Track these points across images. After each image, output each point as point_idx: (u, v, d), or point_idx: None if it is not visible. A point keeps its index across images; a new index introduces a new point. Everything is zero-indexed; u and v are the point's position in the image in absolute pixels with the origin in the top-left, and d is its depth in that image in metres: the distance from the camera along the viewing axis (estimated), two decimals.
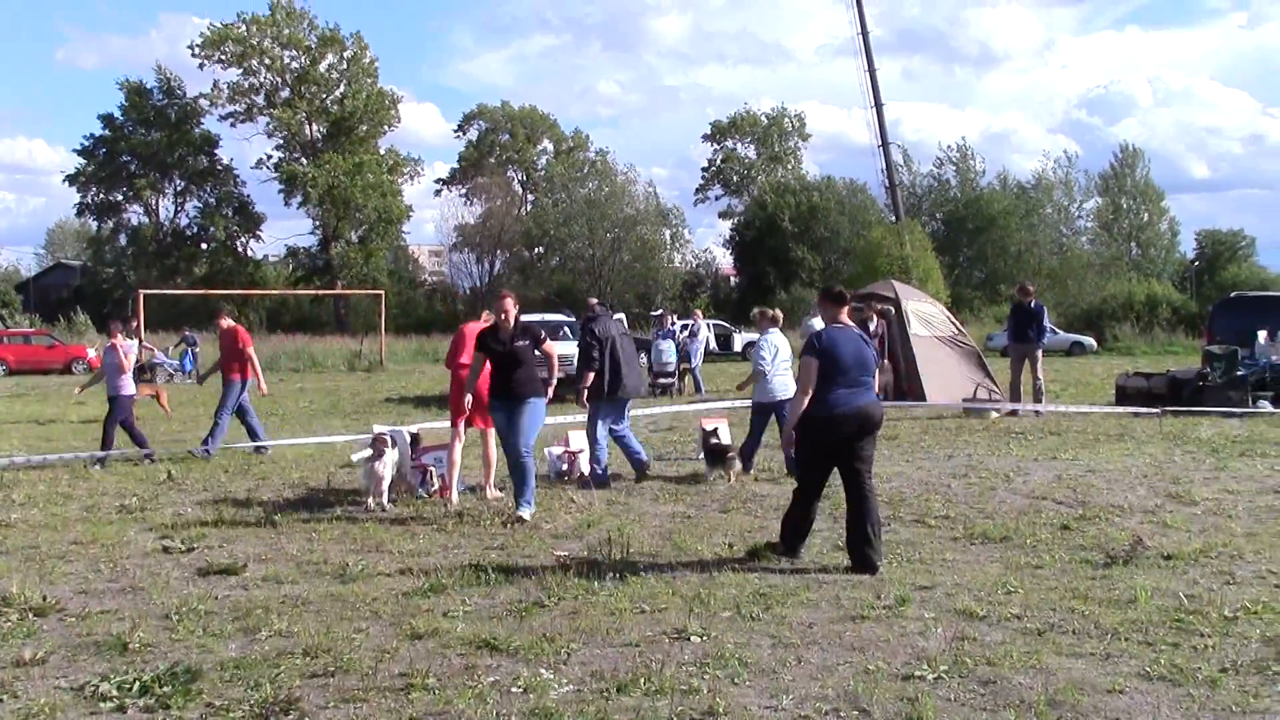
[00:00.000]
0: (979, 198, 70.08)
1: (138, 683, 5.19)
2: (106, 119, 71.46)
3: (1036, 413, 17.03)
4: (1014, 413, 17.15)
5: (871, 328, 19.05)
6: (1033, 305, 17.95)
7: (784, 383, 11.63)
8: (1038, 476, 11.19)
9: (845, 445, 7.49)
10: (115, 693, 5.11)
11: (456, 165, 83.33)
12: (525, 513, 9.25)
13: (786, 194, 71.84)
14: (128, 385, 13.88)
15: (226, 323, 14.48)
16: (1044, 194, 72.23)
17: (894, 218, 58.69)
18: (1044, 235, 70.35)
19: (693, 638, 5.84)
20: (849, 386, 7.46)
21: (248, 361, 13.92)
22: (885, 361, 19.11)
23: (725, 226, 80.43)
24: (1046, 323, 18.32)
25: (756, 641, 5.78)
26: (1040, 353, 17.99)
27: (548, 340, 9.68)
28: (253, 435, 14.10)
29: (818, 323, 20.05)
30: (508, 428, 9.40)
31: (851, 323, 7.84)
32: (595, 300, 14.45)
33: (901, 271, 44.82)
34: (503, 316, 9.41)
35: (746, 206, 77.71)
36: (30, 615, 6.46)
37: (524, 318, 10.72)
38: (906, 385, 19.34)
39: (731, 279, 77.30)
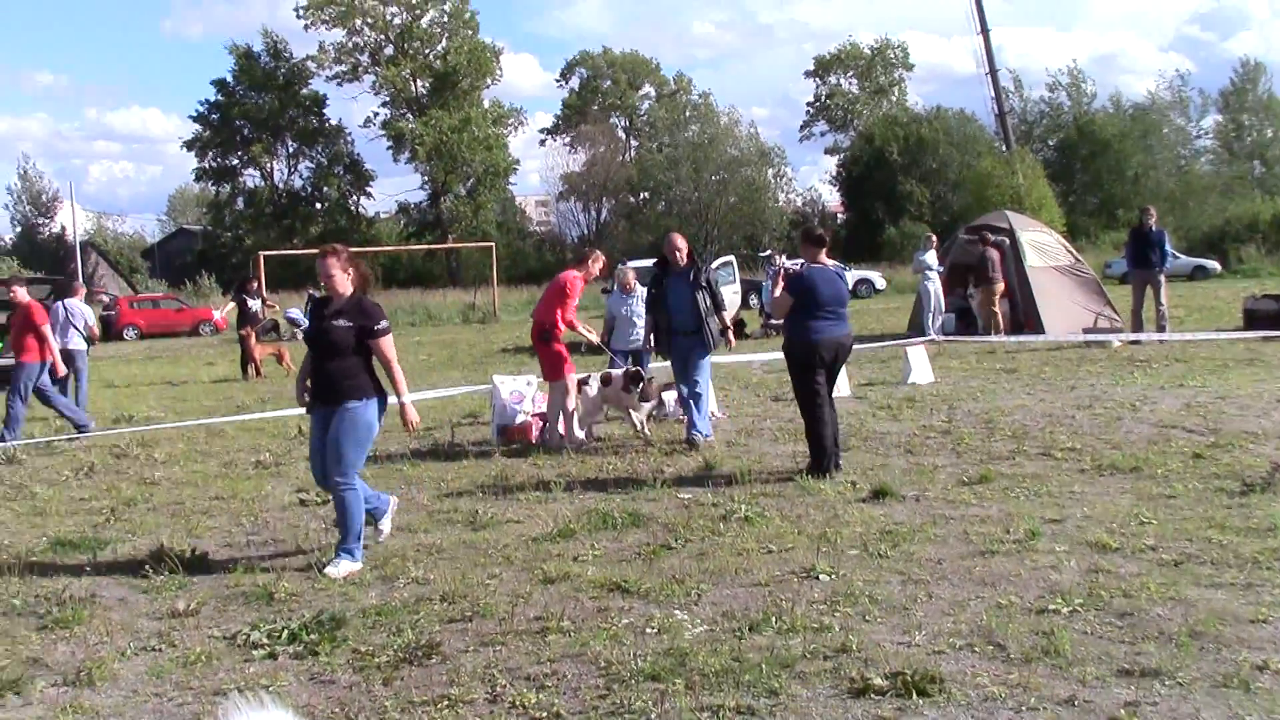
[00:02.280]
0: (1092, 121, 67.85)
1: (286, 630, 5.41)
2: (219, 84, 72.94)
3: (1160, 340, 16.59)
4: (1137, 341, 16.73)
5: (993, 257, 18.75)
6: (1153, 229, 17.42)
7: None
8: (1165, 405, 10.94)
9: (825, 366, 8.66)
10: (266, 641, 5.33)
11: (559, 114, 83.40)
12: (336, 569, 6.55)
13: (894, 127, 70.40)
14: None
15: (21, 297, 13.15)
16: (1159, 114, 69.69)
17: (1004, 147, 57.27)
18: (1162, 157, 67.86)
19: (821, 576, 5.87)
20: (826, 319, 8.58)
21: (44, 340, 12.80)
22: (999, 288, 18.80)
23: (831, 163, 79.30)
24: (1169, 247, 17.78)
25: (885, 579, 5.79)
26: (1163, 278, 17.49)
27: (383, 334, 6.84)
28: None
29: (930, 257, 19.89)
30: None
31: (829, 262, 8.94)
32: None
33: (1014, 201, 43.74)
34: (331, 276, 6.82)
35: (852, 141, 76.45)
36: (181, 568, 6.75)
37: (633, 263, 10.82)
38: (1024, 317, 19.00)
39: (838, 216, 76.25)
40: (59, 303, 16.98)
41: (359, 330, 6.67)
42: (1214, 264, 44.66)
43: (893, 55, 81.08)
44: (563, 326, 10.64)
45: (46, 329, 12.83)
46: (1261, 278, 39.01)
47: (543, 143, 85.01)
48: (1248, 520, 6.49)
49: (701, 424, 10.27)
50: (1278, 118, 72.42)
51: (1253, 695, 4.11)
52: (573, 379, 10.65)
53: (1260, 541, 6.03)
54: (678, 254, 10.34)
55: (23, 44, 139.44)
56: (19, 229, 79.70)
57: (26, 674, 5.03)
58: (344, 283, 6.77)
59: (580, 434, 10.73)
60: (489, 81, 75.34)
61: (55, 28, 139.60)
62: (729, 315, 25.14)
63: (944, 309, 20.26)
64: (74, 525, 8.22)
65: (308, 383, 6.92)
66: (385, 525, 7.21)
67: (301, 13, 70.57)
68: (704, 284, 10.21)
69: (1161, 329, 17.19)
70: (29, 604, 6.12)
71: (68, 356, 16.55)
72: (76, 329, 16.21)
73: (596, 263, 11.31)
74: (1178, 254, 40.41)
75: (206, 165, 74.26)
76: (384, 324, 6.79)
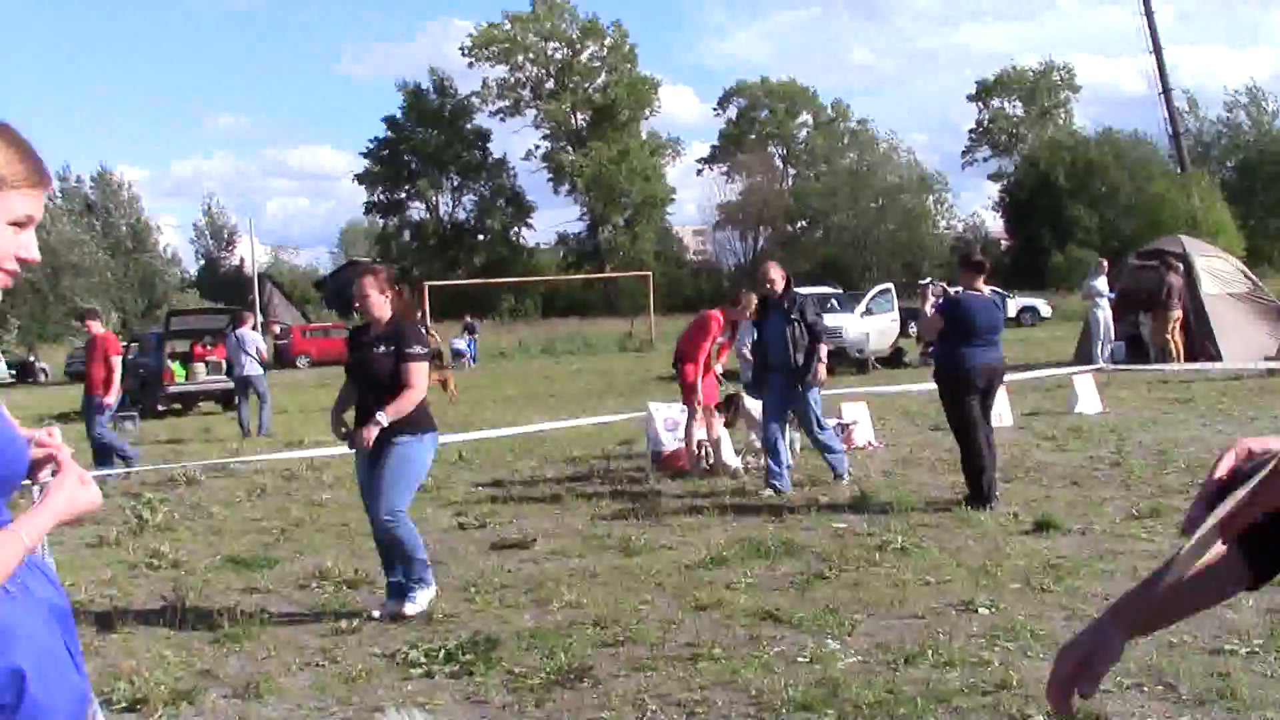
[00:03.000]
0: (1274, 141, 64.98)
1: (443, 650, 5.51)
2: (390, 121, 75.57)
3: None
4: None
5: (1174, 283, 18.08)
6: None
7: None
8: None
9: (979, 392, 8.48)
10: (423, 660, 5.43)
11: (716, 143, 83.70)
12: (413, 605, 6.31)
13: (1060, 150, 68.61)
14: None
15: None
16: None
17: (1179, 169, 55.24)
18: None
19: (980, 609, 5.70)
20: (980, 345, 8.42)
21: (112, 372, 12.43)
22: (1177, 315, 18.09)
23: (994, 189, 77.64)
24: None
25: (1049, 614, 5.59)
26: None
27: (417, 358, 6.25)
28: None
29: (1101, 283, 19.26)
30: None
31: (986, 289, 8.81)
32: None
33: (1190, 225, 42.14)
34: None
35: (1017, 166, 74.75)
36: (344, 587, 6.94)
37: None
38: (1200, 346, 18.22)
39: (1002, 242, 74.52)
40: (233, 332, 17.79)
41: (400, 355, 6.16)
42: None
43: (1058, 77, 79.12)
44: (697, 362, 10.55)
45: (117, 360, 12.59)
46: None
47: (699, 172, 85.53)
48: None
49: (779, 477, 9.48)
50: None
51: None
52: (700, 407, 10.58)
53: None
54: (770, 285, 9.80)
55: (206, 88, 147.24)
56: (202, 262, 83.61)
57: (200, 685, 5.23)
58: (382, 306, 6.30)
59: (734, 462, 10.66)
60: (647, 113, 76.30)
61: (235, 72, 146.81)
62: (883, 342, 24.96)
63: (1114, 337, 19.59)
64: (246, 544, 8.55)
65: (345, 414, 6.51)
66: (412, 604, 6.28)
67: (466, 51, 72.75)
68: (796, 316, 9.54)
69: None
70: (204, 618, 6.37)
71: (245, 382, 17.32)
72: (249, 355, 16.96)
73: (748, 307, 10.81)
74: None
75: (376, 199, 76.97)
76: (419, 348, 6.24)
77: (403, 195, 77.07)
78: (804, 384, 9.50)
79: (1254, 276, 20.49)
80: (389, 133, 75.86)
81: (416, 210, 77.99)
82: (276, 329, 44.17)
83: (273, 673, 5.36)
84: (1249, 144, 67.01)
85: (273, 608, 6.62)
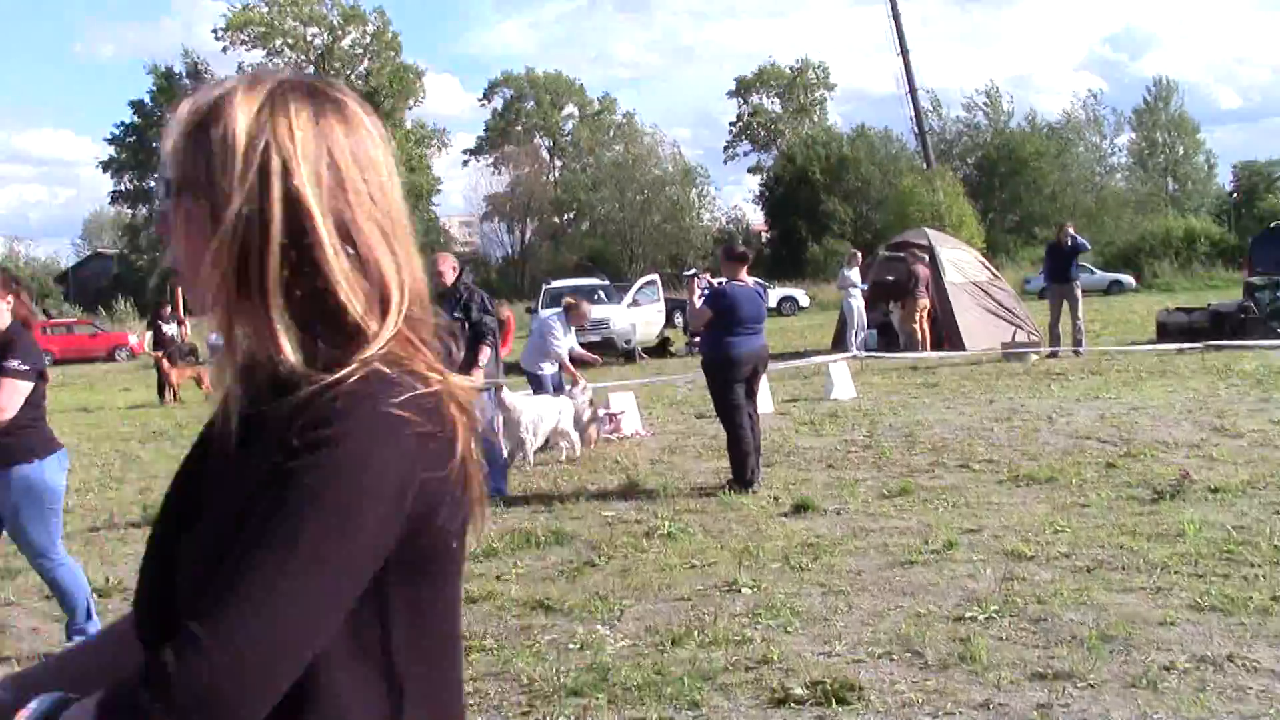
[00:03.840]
0: (1009, 140, 69.25)
1: None
2: (137, 105, 71.88)
3: (1077, 353, 16.94)
4: (1054, 355, 17.07)
5: (921, 273, 19.01)
6: (1070, 243, 17.80)
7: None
8: (1081, 416, 11.17)
9: (744, 380, 8.74)
10: None
11: (483, 134, 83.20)
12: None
13: (816, 146, 71.26)
14: None
15: None
16: (1074, 132, 71.33)
17: (925, 165, 58.17)
18: (1077, 175, 69.46)
19: (743, 590, 5.91)
20: (744, 334, 8.67)
21: None
22: (924, 304, 19.06)
23: (754, 182, 79.97)
24: (1085, 245, 18.34)
25: (807, 591, 5.84)
26: (1079, 293, 17.87)
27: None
28: None
29: (854, 274, 20.11)
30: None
31: (749, 280, 9.09)
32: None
33: (935, 219, 44.43)
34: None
35: (775, 161, 77.23)
36: (95, 595, 6.60)
37: (557, 283, 10.59)
38: (944, 333, 19.29)
39: (763, 234, 76.87)
40: None
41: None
42: (1129, 279, 45.74)
43: (813, 75, 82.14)
44: None
45: None
46: (1175, 291, 40.04)
47: (466, 163, 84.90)
48: (1157, 527, 6.65)
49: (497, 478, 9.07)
50: (1188, 136, 74.46)
51: (1160, 694, 4.21)
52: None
53: (1169, 547, 6.17)
54: (439, 276, 8.91)
55: None
56: None
57: None
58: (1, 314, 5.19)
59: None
60: (412, 103, 75.15)
61: None
62: (649, 333, 25.38)
63: (866, 325, 20.53)
64: None
65: None
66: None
67: (220, 34, 69.93)
68: (460, 314, 8.70)
69: (1078, 343, 17.55)
70: None
71: None
72: None
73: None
74: (1092, 268, 41.44)
75: (123, 188, 73.07)
76: (16, 363, 5.06)
77: (152, 184, 73.42)
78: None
79: (992, 268, 21.82)
80: (136, 118, 72.13)
81: None
82: None
83: None
84: (987, 143, 71.14)
85: (17, 622, 6.28)
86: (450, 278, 8.94)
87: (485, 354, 8.74)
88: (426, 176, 73.78)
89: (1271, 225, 26.97)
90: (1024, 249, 55.93)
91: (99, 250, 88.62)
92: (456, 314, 8.63)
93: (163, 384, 20.45)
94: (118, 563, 7.53)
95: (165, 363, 20.62)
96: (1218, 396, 11.90)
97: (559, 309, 12.08)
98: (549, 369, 11.61)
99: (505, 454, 10.49)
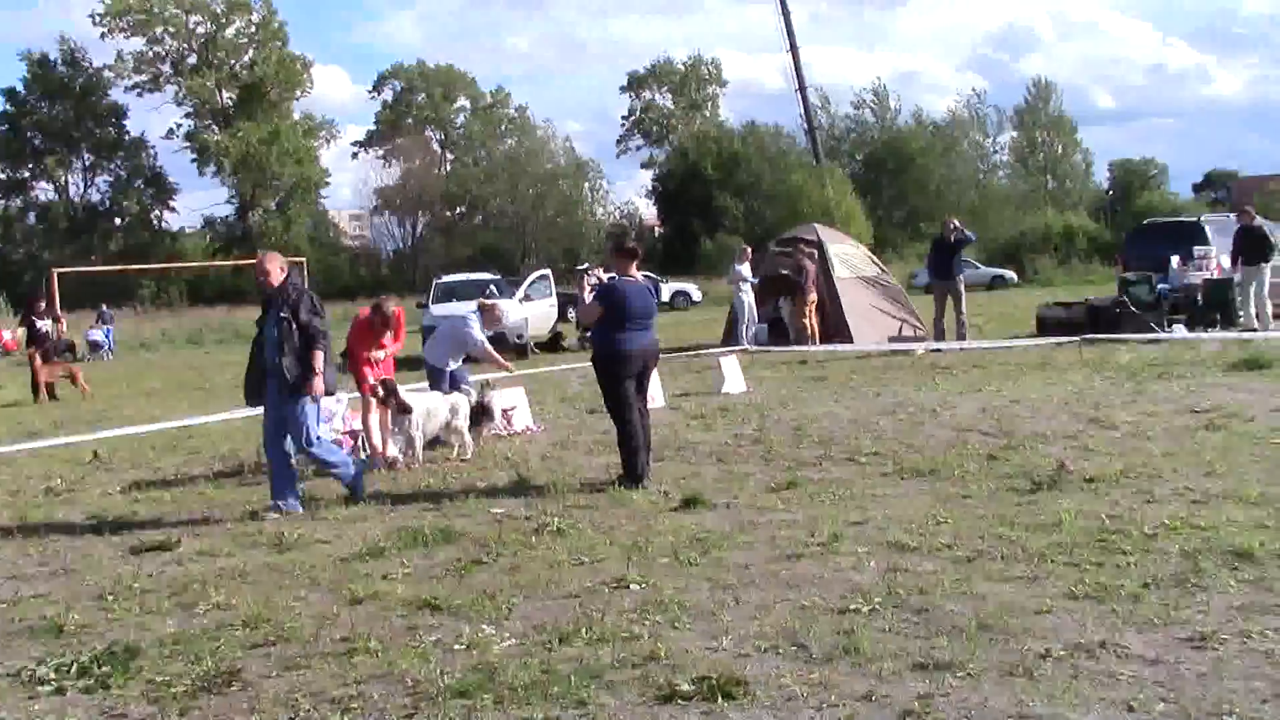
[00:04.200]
0: (896, 137, 70.54)
1: (75, 664, 5.14)
2: (9, 93, 69.35)
3: (960, 348, 17.31)
4: (938, 349, 17.41)
5: (808, 268, 19.20)
6: (954, 238, 18.18)
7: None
8: (964, 409, 11.40)
9: (634, 376, 8.79)
10: (53, 675, 5.06)
11: (374, 127, 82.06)
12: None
13: (708, 141, 71.80)
14: None
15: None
16: (959, 130, 72.94)
17: (814, 161, 58.94)
18: (962, 171, 71.15)
19: (632, 585, 5.90)
20: (634, 329, 8.70)
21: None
22: (813, 299, 19.28)
23: (647, 177, 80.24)
24: (970, 237, 18.73)
25: (695, 585, 5.86)
26: (963, 288, 18.27)
27: None
28: None
29: (745, 269, 20.26)
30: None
31: (639, 275, 9.05)
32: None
33: (824, 214, 45.05)
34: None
35: (668, 156, 77.57)
36: None
37: (448, 278, 10.47)
38: (834, 328, 19.54)
39: (656, 229, 77.18)
40: None
41: None
42: (1011, 274, 46.91)
43: (706, 71, 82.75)
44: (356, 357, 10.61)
45: None
46: (1054, 286, 41.15)
47: (355, 155, 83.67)
48: (1035, 517, 6.81)
49: (341, 466, 8.75)
50: (1067, 135, 76.67)
51: (1036, 682, 4.31)
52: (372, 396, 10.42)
53: (1046, 536, 6.32)
54: (264, 277, 8.46)
55: None
56: None
57: None
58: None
59: (393, 451, 10.49)
60: (298, 93, 73.82)
61: None
62: (542, 327, 25.28)
63: (757, 320, 20.71)
64: None
65: None
66: None
67: (98, 20, 67.80)
68: (287, 315, 8.29)
69: (961, 336, 17.96)
70: None
71: None
72: None
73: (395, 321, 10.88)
74: (977, 264, 42.37)
75: None
76: None
77: (26, 174, 70.94)
78: (295, 393, 8.28)
79: (880, 263, 22.21)
80: (9, 106, 69.52)
81: (43, 191, 71.93)
82: None
83: None
84: (874, 139, 72.37)
85: None
86: (278, 278, 8.44)
87: (319, 359, 8.28)
88: (315, 169, 72.51)
89: (1145, 222, 27.89)
90: (911, 244, 57.10)
91: None
92: (284, 315, 8.25)
93: (37, 383, 19.80)
94: None
95: (38, 360, 19.97)
96: (1094, 389, 12.25)
97: (473, 307, 12.03)
98: (454, 365, 11.53)
99: (375, 454, 10.36)
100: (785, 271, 20.19)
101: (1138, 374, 13.13)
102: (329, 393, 8.67)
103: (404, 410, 10.17)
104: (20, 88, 69.47)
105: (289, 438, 8.42)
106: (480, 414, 10.98)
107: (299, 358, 8.24)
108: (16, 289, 56.95)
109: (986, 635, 4.83)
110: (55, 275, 35.86)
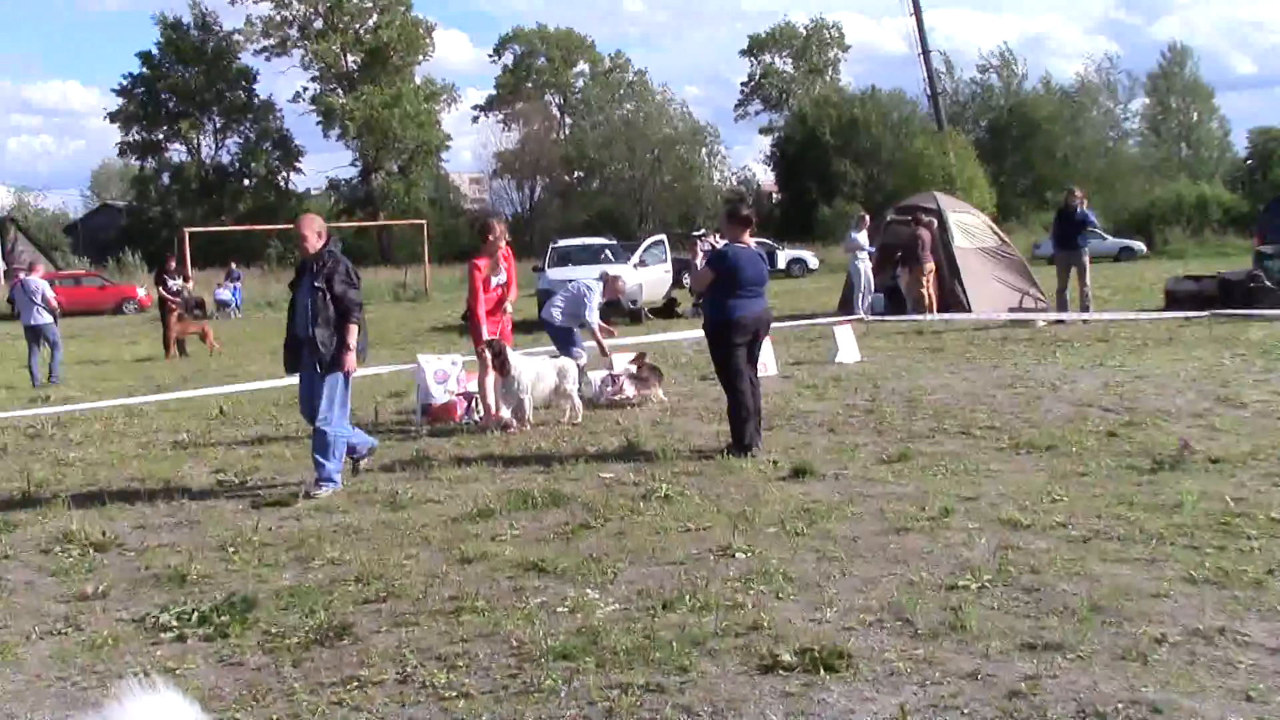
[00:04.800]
0: (1023, 103, 68.65)
1: (196, 613, 5.33)
2: (145, 57, 71.43)
3: (1083, 320, 16.86)
4: (1060, 321, 16.99)
5: (924, 237, 18.87)
6: (1078, 211, 17.68)
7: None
8: (1084, 384, 11.12)
9: (746, 343, 8.72)
10: (175, 623, 5.25)
11: (494, 91, 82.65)
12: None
13: (827, 107, 70.71)
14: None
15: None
16: (1088, 97, 70.69)
17: (937, 127, 57.76)
18: (1090, 139, 68.92)
19: (737, 554, 5.89)
20: (746, 297, 8.60)
21: None
22: (930, 268, 18.95)
23: (765, 143, 79.44)
24: (1094, 220, 18.14)
25: (801, 556, 5.82)
26: (1088, 259, 17.76)
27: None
28: None
29: (862, 237, 19.99)
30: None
31: (752, 242, 8.95)
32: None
33: (945, 182, 44.18)
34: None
35: (786, 121, 76.70)
36: (91, 551, 6.63)
37: (564, 242, 10.44)
38: (951, 298, 19.20)
39: (773, 195, 76.47)
40: (19, 280, 16.99)
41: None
42: (1140, 245, 45.47)
43: (827, 35, 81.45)
44: (476, 312, 10.41)
45: None
46: (1185, 259, 39.77)
47: (475, 120, 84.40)
48: (1155, 497, 6.62)
49: (331, 466, 8.05)
50: (1203, 101, 73.78)
51: (1150, 667, 4.19)
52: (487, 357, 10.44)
53: (1166, 518, 6.15)
54: (302, 242, 8.12)
55: None
56: None
57: None
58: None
59: (505, 413, 10.60)
60: (421, 58, 74.67)
61: None
62: (656, 293, 25.28)
63: (874, 289, 20.44)
64: None
65: None
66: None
67: None
68: (322, 284, 7.92)
69: (1085, 309, 17.47)
70: None
71: (34, 331, 16.70)
72: (36, 304, 16.35)
73: (502, 237, 10.43)
74: (1105, 235, 41.19)
75: (131, 139, 72.73)
76: None
77: (161, 136, 73.09)
78: (327, 367, 7.93)
79: (1001, 233, 21.70)
80: (145, 69, 71.68)
81: (177, 152, 74.13)
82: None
83: (10, 643, 5.09)
84: (1000, 105, 70.56)
85: (11, 575, 6.27)
86: (314, 244, 8.03)
87: (353, 334, 7.93)
88: (436, 133, 73.38)
89: None
90: (1035, 213, 55.61)
91: (107, 202, 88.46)
92: (318, 285, 7.89)
93: (168, 339, 20.50)
94: (116, 517, 7.54)
95: (172, 317, 20.66)
96: (1223, 366, 11.84)
97: (596, 275, 12.26)
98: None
99: (489, 416, 10.45)
100: (902, 240, 19.87)
101: (1270, 351, 12.65)
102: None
103: (506, 372, 10.25)
104: (155, 51, 71.60)
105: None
106: (652, 373, 11.34)
107: (334, 330, 7.90)
108: (149, 247, 58.92)
109: (1099, 617, 4.71)
110: (186, 235, 36.92)
